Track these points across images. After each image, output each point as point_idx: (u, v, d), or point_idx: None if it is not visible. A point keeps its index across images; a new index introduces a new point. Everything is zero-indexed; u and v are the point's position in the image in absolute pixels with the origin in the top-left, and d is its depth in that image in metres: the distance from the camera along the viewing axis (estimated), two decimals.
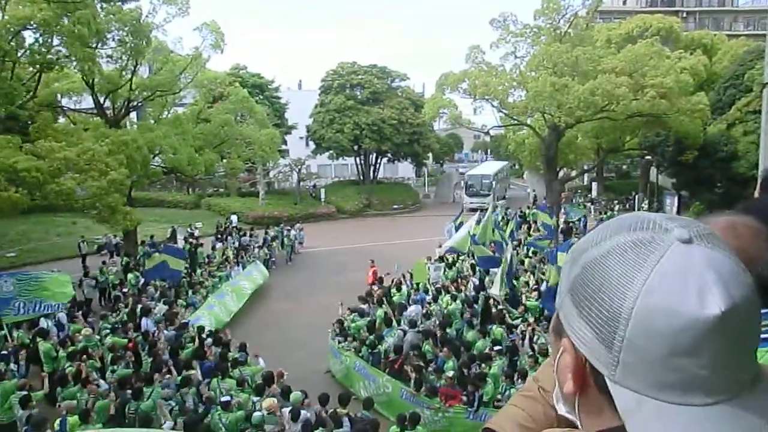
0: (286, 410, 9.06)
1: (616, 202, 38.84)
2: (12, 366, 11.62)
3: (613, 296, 0.71)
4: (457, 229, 20.95)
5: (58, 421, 8.97)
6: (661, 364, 0.68)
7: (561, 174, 33.11)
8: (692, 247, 0.70)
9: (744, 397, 0.68)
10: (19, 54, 18.19)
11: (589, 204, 38.33)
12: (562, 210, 30.80)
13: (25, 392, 9.91)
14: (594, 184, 44.37)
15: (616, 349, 0.71)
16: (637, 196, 38.38)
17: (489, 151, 71.89)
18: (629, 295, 0.69)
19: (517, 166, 55.53)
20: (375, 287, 17.33)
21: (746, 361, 0.70)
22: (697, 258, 0.69)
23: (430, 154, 51.20)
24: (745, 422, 0.67)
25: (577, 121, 26.68)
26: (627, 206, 37.78)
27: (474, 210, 30.41)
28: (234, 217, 34.01)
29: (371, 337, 13.44)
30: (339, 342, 13.85)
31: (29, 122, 19.73)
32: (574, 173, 40.25)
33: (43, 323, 13.81)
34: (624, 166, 50.74)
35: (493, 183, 41.77)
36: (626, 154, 39.16)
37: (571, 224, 28.75)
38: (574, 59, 25.66)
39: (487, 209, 21.54)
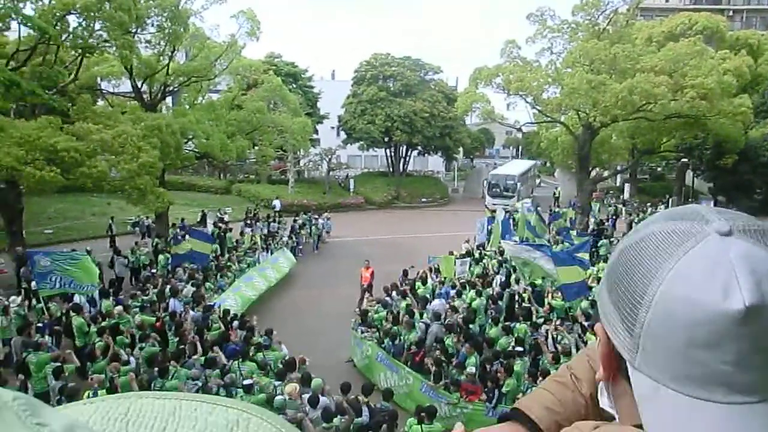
0: (306, 396, 9.19)
1: (649, 204, 38.05)
2: (47, 338, 12.03)
3: (639, 280, 0.70)
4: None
5: (88, 394, 9.29)
6: (680, 354, 0.66)
7: (593, 174, 32.60)
8: (730, 240, 0.67)
9: None
10: (63, 38, 18.66)
11: (620, 206, 37.63)
12: (591, 210, 30.36)
13: (58, 364, 10.30)
14: (627, 186, 43.55)
15: (636, 333, 0.70)
16: (671, 200, 37.55)
17: (520, 147, 71.04)
18: (654, 281, 0.68)
19: (548, 164, 54.77)
20: (368, 298, 16.96)
21: None
22: (732, 251, 0.66)
23: (460, 149, 50.85)
24: None
25: (613, 120, 26.19)
26: (660, 209, 37.00)
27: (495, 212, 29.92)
28: (277, 202, 34.50)
29: (394, 328, 13.51)
30: (362, 332, 13.96)
31: (70, 104, 20.26)
32: (606, 173, 39.54)
33: (77, 299, 14.26)
34: (659, 168, 49.57)
35: (518, 184, 39.76)
36: (662, 155, 38.23)
37: (602, 226, 28.31)
38: (612, 57, 25.15)
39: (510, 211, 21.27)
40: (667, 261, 0.68)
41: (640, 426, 0.73)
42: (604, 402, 0.89)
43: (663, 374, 0.68)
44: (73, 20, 19.01)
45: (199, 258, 18.07)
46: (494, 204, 36.17)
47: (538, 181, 52.63)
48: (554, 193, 44.31)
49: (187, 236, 19.42)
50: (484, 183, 43.00)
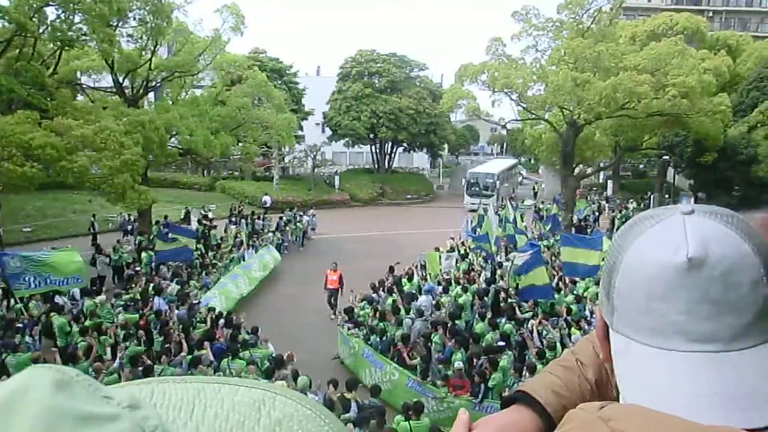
0: None
1: (631, 201, 38.44)
2: (27, 339, 11.79)
3: (614, 254, 0.79)
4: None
5: None
6: (642, 308, 0.73)
7: (577, 171, 32.83)
8: (691, 216, 0.75)
9: (742, 352, 0.70)
10: (40, 30, 18.29)
11: (603, 202, 37.99)
12: (576, 207, 30.59)
13: (39, 365, 10.08)
14: (609, 182, 43.99)
15: (612, 297, 0.78)
16: (652, 196, 37.99)
17: (505, 144, 71.47)
18: (623, 252, 0.77)
19: (532, 161, 55.10)
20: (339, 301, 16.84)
21: (738, 317, 0.70)
22: (689, 223, 0.74)
23: (446, 146, 50.99)
24: (732, 374, 0.69)
25: (597, 117, 26.39)
26: (642, 206, 37.42)
27: (474, 211, 29.82)
28: (267, 198, 34.35)
29: (380, 324, 13.49)
30: (348, 329, 13.92)
31: (49, 99, 19.89)
32: (590, 170, 39.82)
33: (58, 299, 13.99)
34: (641, 165, 50.20)
35: (497, 183, 38.90)
36: (644, 153, 38.69)
37: (585, 222, 28.55)
38: (596, 55, 25.32)
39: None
40: (637, 235, 0.77)
41: None
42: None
43: (631, 329, 0.75)
44: (51, 12, 18.69)
45: (184, 253, 17.83)
46: (472, 203, 35.85)
47: (520, 178, 52.75)
48: (533, 188, 44.71)
49: (169, 234, 19.14)
50: (463, 182, 41.99)
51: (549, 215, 23.33)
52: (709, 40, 40.80)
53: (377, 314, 13.95)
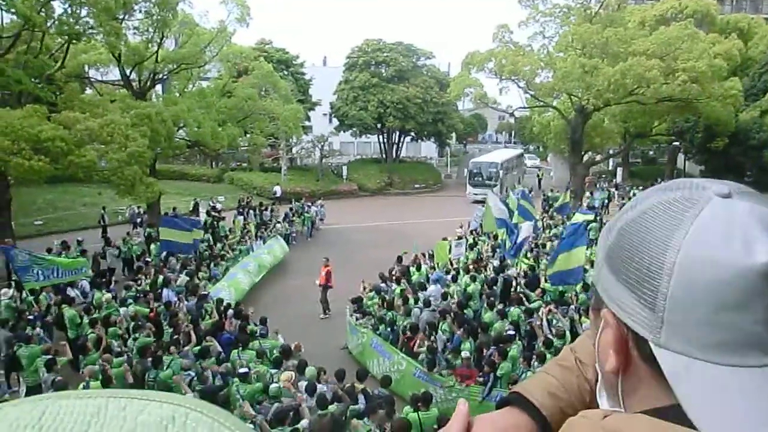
0: (302, 384, 9.17)
1: (640, 188, 38.15)
2: (38, 330, 11.93)
3: (652, 253, 0.67)
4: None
5: (81, 386, 9.23)
6: (709, 320, 0.63)
7: (586, 158, 32.63)
8: (732, 200, 0.67)
9: None
10: (48, 24, 18.33)
11: (613, 189, 37.73)
12: (586, 194, 30.43)
13: (50, 356, 10.21)
14: (619, 170, 43.65)
15: (659, 308, 0.66)
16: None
17: (513, 132, 71.07)
18: (670, 249, 0.66)
19: (541, 149, 54.72)
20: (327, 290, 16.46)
21: None
22: (739, 209, 0.66)
23: (453, 134, 50.73)
24: None
25: (605, 104, 26.19)
26: None
27: (478, 202, 29.18)
28: (278, 188, 34.63)
29: (389, 313, 13.51)
30: (356, 319, 13.96)
31: (58, 93, 19.96)
32: (599, 158, 39.57)
33: (70, 291, 14.14)
34: (650, 152, 49.75)
35: (501, 172, 37.51)
36: (654, 139, 38.35)
37: (594, 209, 28.39)
38: (605, 40, 25.08)
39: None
40: (679, 228, 0.66)
41: (648, 411, 0.70)
42: (604, 404, 0.83)
43: (692, 346, 0.64)
44: (58, 6, 18.71)
45: (189, 246, 17.84)
46: (475, 194, 35.08)
47: (524, 168, 52.26)
48: (537, 176, 44.43)
49: (176, 218, 19.01)
50: (465, 171, 40.70)
51: (564, 205, 23.25)
52: (719, 23, 40.25)
53: (384, 304, 13.97)
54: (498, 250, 18.64)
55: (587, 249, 18.90)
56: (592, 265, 17.07)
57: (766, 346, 0.62)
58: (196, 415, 0.48)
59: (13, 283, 15.16)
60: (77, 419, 0.45)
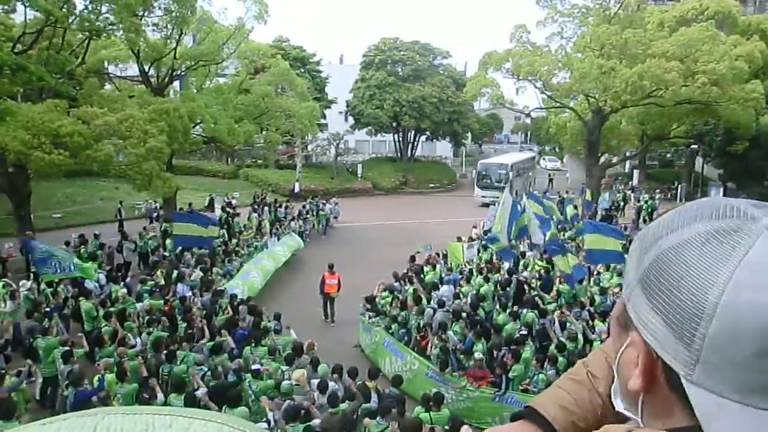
0: (315, 381, 9.22)
1: (657, 191, 37.76)
2: (55, 321, 12.10)
3: (694, 290, 0.64)
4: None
5: (96, 378, 9.36)
6: (750, 365, 0.61)
7: (602, 160, 32.37)
8: None
9: None
10: (69, 20, 18.57)
11: (629, 192, 37.34)
12: (601, 197, 30.15)
13: (67, 348, 10.36)
14: (636, 172, 43.20)
15: (696, 347, 0.64)
16: (680, 186, 37.25)
17: (529, 133, 70.62)
18: (713, 290, 0.63)
19: (557, 150, 54.29)
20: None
21: None
22: None
23: (469, 134, 50.53)
24: None
25: (623, 105, 25.96)
26: (669, 196, 36.75)
27: (486, 205, 28.84)
28: (296, 185, 35.07)
29: (402, 313, 13.52)
30: (369, 318, 13.97)
31: (78, 88, 20.22)
32: (615, 159, 39.21)
33: (88, 284, 14.35)
34: (668, 155, 49.17)
35: (510, 174, 35.86)
36: (671, 142, 37.90)
37: (611, 213, 28.15)
38: (623, 41, 24.84)
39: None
40: (724, 267, 0.63)
41: (670, 431, 0.70)
42: (619, 405, 0.83)
43: (727, 387, 0.63)
44: (79, 2, 18.94)
45: (203, 241, 17.89)
46: (483, 197, 34.49)
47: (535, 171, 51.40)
48: (549, 176, 44.04)
49: (192, 212, 19.07)
50: (473, 173, 39.39)
51: (586, 201, 23.12)
52: (741, 24, 39.57)
53: (396, 303, 13.96)
54: (512, 251, 18.53)
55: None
56: (607, 269, 16.97)
57: None
58: None
59: (31, 275, 15.44)
60: None
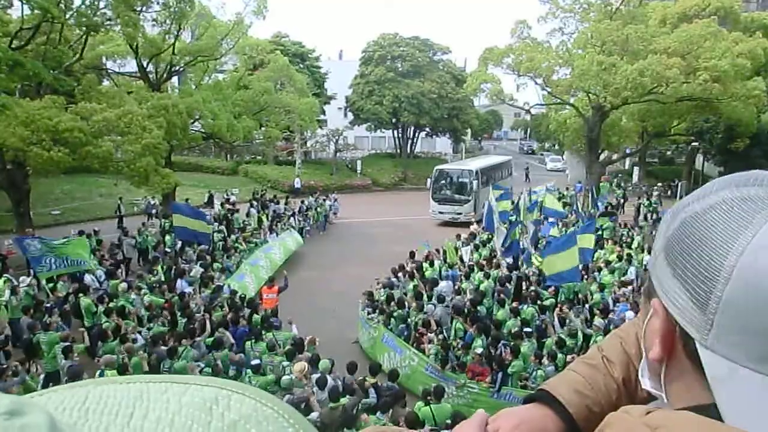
0: (315, 377, 9.19)
1: (655, 188, 37.67)
2: (54, 318, 12.09)
3: (712, 252, 0.64)
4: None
5: (97, 374, 9.32)
6: (763, 330, 0.60)
7: (602, 157, 32.33)
8: None
9: None
10: (66, 16, 18.48)
11: (629, 189, 37.29)
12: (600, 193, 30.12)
13: (67, 343, 10.35)
14: (636, 169, 43.18)
15: (711, 310, 0.63)
16: (680, 184, 37.20)
17: (529, 130, 70.61)
18: (732, 252, 0.62)
19: (557, 146, 54.30)
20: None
21: None
22: None
23: (468, 130, 50.53)
24: None
25: (623, 102, 25.90)
26: (669, 193, 36.70)
27: (447, 224, 25.95)
28: (297, 181, 34.87)
29: (399, 311, 13.48)
30: (368, 314, 13.95)
31: (76, 84, 20.13)
32: (615, 156, 39.17)
33: (87, 279, 14.32)
34: (668, 152, 49.14)
35: (475, 185, 27.87)
36: (672, 139, 37.88)
37: (610, 209, 28.11)
38: (625, 37, 24.78)
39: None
40: (745, 230, 0.62)
41: (690, 409, 0.68)
42: (646, 383, 0.81)
43: (741, 353, 0.62)
44: None
45: (202, 236, 17.82)
46: (441, 212, 28.06)
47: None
48: (525, 170, 44.24)
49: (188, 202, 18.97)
50: (427, 182, 31.15)
51: (601, 196, 23.18)
52: (743, 20, 39.47)
53: (390, 300, 13.89)
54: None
55: (601, 249, 18.88)
56: (606, 265, 16.95)
57: None
58: (239, 396, 0.48)
59: (31, 272, 15.42)
60: (121, 402, 0.45)
